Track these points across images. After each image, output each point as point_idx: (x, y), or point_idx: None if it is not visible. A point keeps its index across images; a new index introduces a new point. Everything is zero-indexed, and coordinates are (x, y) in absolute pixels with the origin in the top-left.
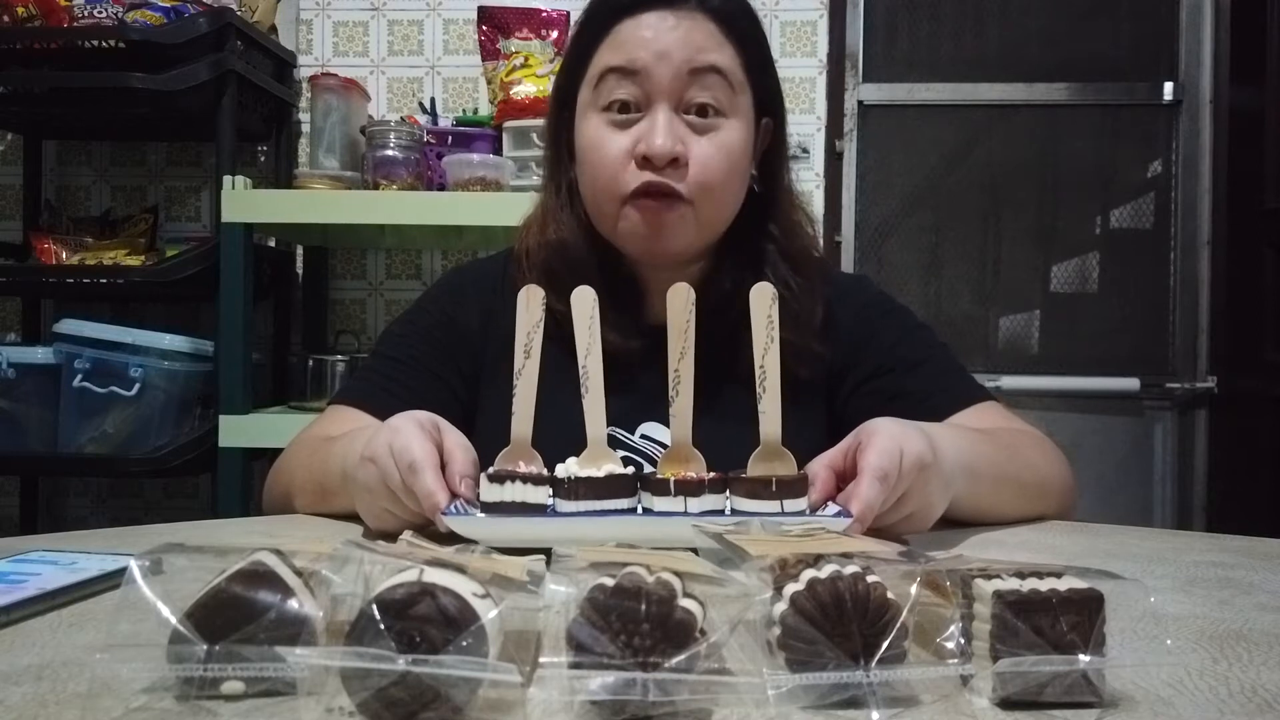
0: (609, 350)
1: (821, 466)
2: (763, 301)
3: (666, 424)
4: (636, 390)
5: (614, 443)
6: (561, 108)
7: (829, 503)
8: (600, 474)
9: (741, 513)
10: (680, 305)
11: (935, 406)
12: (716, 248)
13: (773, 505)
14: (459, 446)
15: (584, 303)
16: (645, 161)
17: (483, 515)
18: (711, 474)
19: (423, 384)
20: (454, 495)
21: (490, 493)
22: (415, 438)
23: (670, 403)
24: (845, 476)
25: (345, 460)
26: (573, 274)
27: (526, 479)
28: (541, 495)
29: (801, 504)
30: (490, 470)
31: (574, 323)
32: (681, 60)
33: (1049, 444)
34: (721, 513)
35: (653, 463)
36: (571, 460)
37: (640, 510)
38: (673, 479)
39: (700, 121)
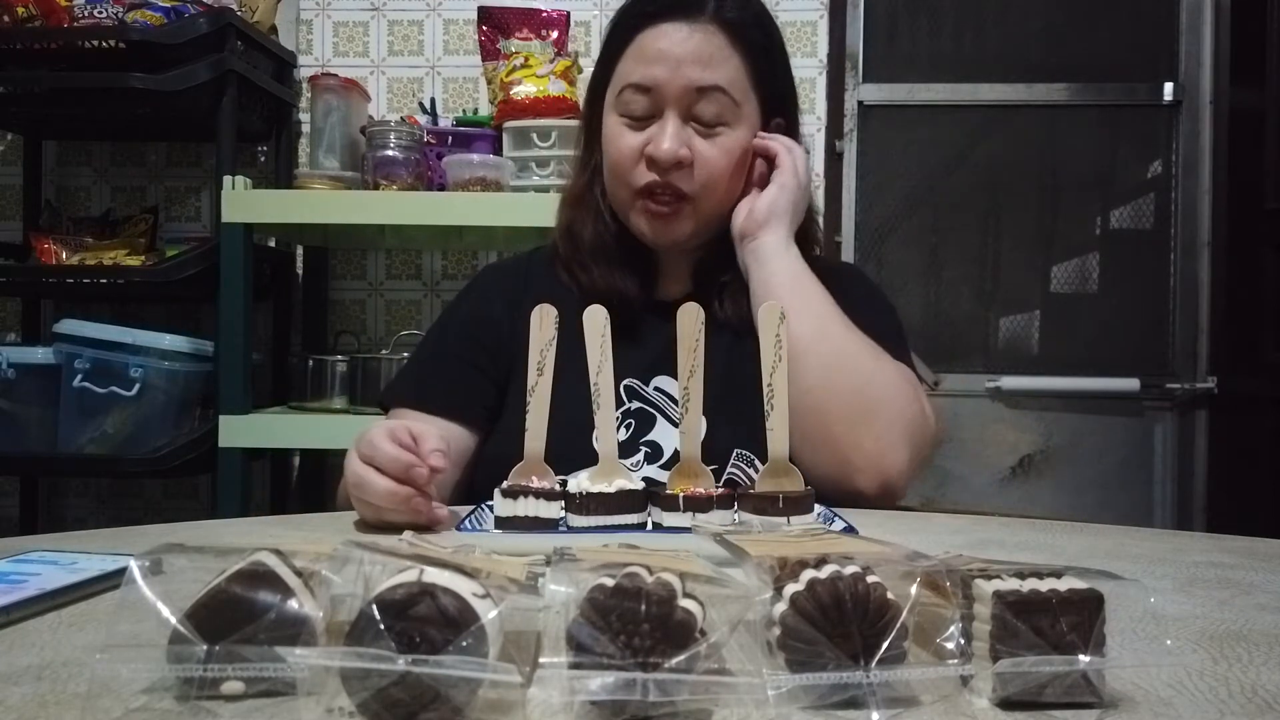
0: (629, 308)
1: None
2: (771, 320)
3: (676, 378)
4: (651, 346)
5: (630, 394)
6: (595, 98)
7: (836, 517)
8: (611, 489)
9: None
10: (690, 324)
11: None
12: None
13: (780, 521)
14: (424, 432)
15: (595, 321)
16: (652, 163)
17: (496, 530)
18: (720, 489)
19: (465, 376)
20: (433, 469)
21: (504, 508)
22: (377, 444)
23: (679, 419)
24: None
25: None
26: (597, 243)
27: (539, 494)
28: (554, 510)
29: (809, 520)
30: (504, 485)
31: (586, 340)
32: (690, 78)
33: (919, 392)
34: None
35: (665, 414)
36: (583, 474)
37: (650, 525)
38: (681, 494)
39: (707, 129)
